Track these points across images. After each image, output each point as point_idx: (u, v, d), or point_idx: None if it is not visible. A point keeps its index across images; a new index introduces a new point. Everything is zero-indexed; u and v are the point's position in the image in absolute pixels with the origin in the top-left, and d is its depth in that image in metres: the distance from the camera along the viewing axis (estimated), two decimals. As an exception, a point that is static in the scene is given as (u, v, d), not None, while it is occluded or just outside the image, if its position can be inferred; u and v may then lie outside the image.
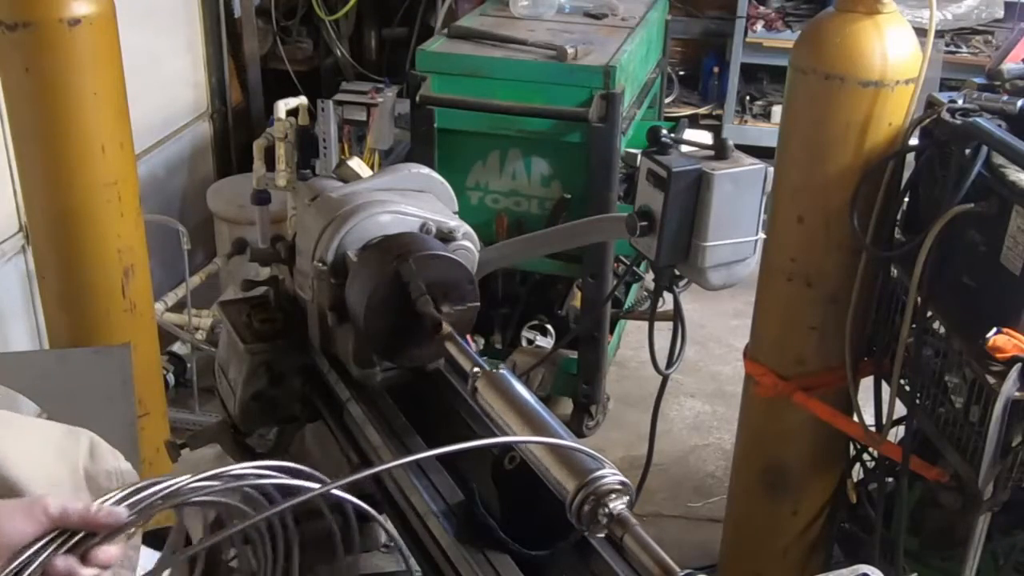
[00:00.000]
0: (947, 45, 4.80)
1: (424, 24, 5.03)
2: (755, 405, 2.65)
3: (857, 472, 2.69)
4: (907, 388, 2.30)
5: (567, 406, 3.84)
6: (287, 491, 1.03)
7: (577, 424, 3.75)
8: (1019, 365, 1.94)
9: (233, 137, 4.93)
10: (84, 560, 0.96)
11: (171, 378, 3.84)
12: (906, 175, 2.30)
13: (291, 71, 5.13)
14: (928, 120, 2.22)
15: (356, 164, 1.95)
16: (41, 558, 0.94)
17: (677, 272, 1.66)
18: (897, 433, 2.39)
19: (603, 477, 1.07)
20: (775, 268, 2.43)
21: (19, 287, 3.43)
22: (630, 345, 4.30)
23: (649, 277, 4.13)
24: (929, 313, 2.20)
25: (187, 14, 4.61)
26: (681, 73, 5.56)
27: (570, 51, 3.38)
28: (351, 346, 1.54)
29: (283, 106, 3.74)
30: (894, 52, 2.19)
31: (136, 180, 2.66)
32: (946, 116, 2.14)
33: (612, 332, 3.94)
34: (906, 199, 2.32)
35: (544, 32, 3.75)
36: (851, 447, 2.65)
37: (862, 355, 2.47)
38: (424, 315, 1.42)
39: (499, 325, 3.90)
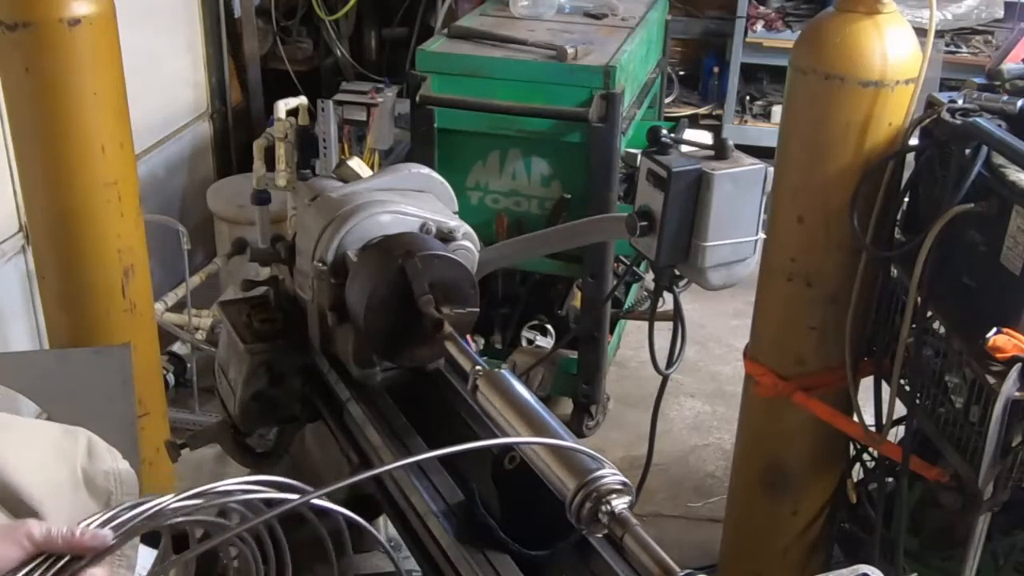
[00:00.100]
0: (947, 45, 4.80)
1: (424, 24, 5.03)
2: (755, 405, 2.65)
3: (857, 472, 2.69)
4: (907, 388, 2.30)
5: (567, 406, 3.84)
6: (274, 505, 1.02)
7: (577, 424, 3.75)
8: (1019, 365, 1.93)
9: (233, 137, 4.93)
10: None
11: (171, 378, 3.84)
12: (906, 175, 2.30)
13: (291, 71, 5.13)
14: (928, 120, 2.22)
15: (356, 164, 1.95)
16: None
17: (677, 272, 1.66)
18: (897, 433, 2.39)
19: (603, 477, 1.07)
20: (775, 268, 2.43)
21: (19, 287, 3.43)
22: (630, 345, 4.30)
23: (649, 277, 4.13)
24: (929, 313, 2.20)
25: (187, 14, 4.61)
26: (681, 73, 5.56)
27: (570, 51, 3.39)
28: (351, 346, 1.54)
29: (283, 106, 3.74)
30: (894, 52, 2.19)
31: (136, 180, 2.66)
32: (946, 116, 2.14)
33: (612, 332, 3.94)
34: (906, 199, 2.32)
35: (544, 32, 3.75)
36: (851, 447, 2.65)
37: (862, 355, 2.47)
38: (425, 315, 1.42)
39: (499, 325, 3.90)
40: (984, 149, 2.05)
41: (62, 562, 0.95)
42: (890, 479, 2.48)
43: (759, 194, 1.57)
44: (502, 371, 1.28)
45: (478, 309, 1.50)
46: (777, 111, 5.06)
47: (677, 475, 3.64)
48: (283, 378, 1.69)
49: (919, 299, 2.18)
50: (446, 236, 1.56)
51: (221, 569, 1.09)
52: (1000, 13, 4.87)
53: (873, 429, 2.44)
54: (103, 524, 0.98)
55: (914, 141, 2.26)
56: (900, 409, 2.35)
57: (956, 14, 4.82)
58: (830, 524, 2.70)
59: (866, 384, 2.49)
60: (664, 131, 1.60)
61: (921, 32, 2.25)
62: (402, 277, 1.43)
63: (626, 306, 4.11)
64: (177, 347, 3.95)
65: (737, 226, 1.57)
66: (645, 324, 2.04)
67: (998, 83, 2.36)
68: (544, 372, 3.68)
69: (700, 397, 4.06)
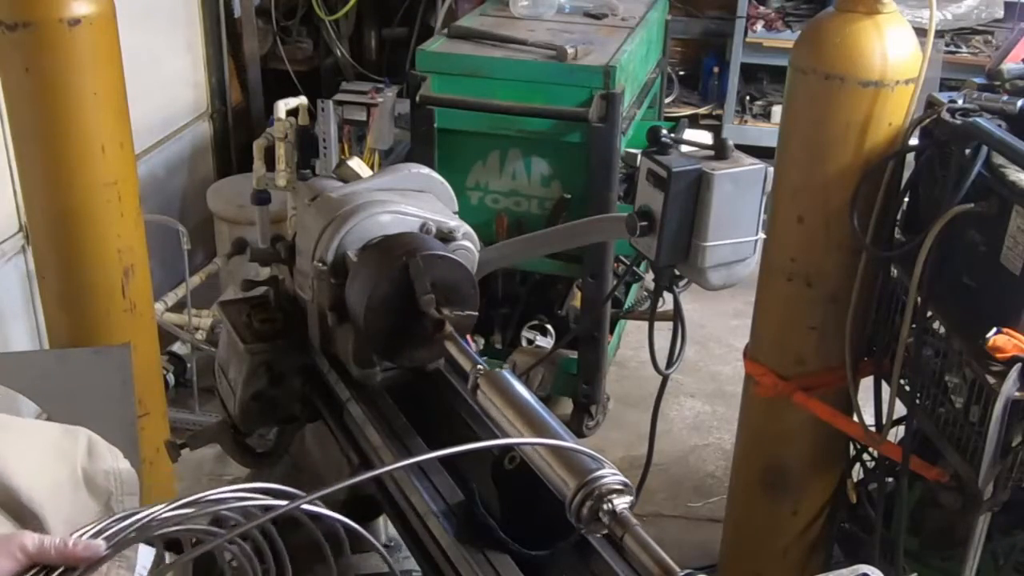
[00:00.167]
0: (947, 45, 4.80)
1: (424, 24, 5.03)
2: (755, 405, 2.65)
3: (857, 472, 2.69)
4: (907, 388, 2.30)
5: (567, 406, 3.84)
6: (268, 510, 1.02)
7: (577, 424, 3.75)
8: (1019, 365, 1.94)
9: (233, 137, 4.93)
10: None
11: (171, 378, 3.84)
12: (906, 175, 2.30)
13: (291, 71, 5.13)
14: (928, 120, 2.22)
15: (356, 164, 1.94)
16: None
17: (677, 272, 1.66)
18: (897, 433, 2.39)
19: (603, 477, 1.07)
20: (775, 268, 2.43)
21: (19, 287, 3.43)
22: (630, 345, 4.30)
23: (649, 277, 4.13)
24: (929, 313, 2.20)
25: (187, 14, 4.61)
26: (681, 73, 5.56)
27: (570, 51, 3.39)
28: (351, 346, 1.54)
29: (283, 106, 3.74)
30: (894, 52, 2.19)
31: (136, 180, 2.66)
32: (946, 116, 2.14)
33: (612, 332, 3.94)
34: (906, 199, 2.32)
35: (544, 32, 3.75)
36: (851, 447, 2.65)
37: (862, 355, 2.47)
38: (426, 315, 1.42)
39: (499, 325, 3.90)
40: (984, 149, 2.05)
41: (55, 573, 0.95)
42: (890, 479, 2.48)
43: (759, 194, 1.57)
44: (502, 371, 1.28)
45: (477, 313, 1.50)
46: (777, 111, 5.06)
47: (677, 475, 3.64)
48: (283, 378, 1.69)
49: (919, 299, 2.18)
50: (446, 236, 1.56)
51: (219, 574, 1.09)
52: (1000, 13, 4.88)
53: (873, 429, 2.44)
54: (96, 534, 0.98)
55: (914, 141, 2.26)
56: (900, 409, 2.35)
57: (956, 14, 4.82)
58: (830, 524, 2.70)
59: (866, 384, 2.50)
60: (664, 131, 1.60)
61: (921, 32, 2.25)
62: (403, 277, 1.43)
63: (626, 306, 4.11)
64: (177, 347, 3.95)
65: (737, 226, 1.57)
66: (645, 324, 2.04)
67: (998, 83, 2.36)
68: (544, 372, 3.68)
69: (700, 397, 4.06)
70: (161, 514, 1.00)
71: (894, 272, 2.36)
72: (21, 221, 3.36)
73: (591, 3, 4.12)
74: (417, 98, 3.40)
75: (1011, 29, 4.74)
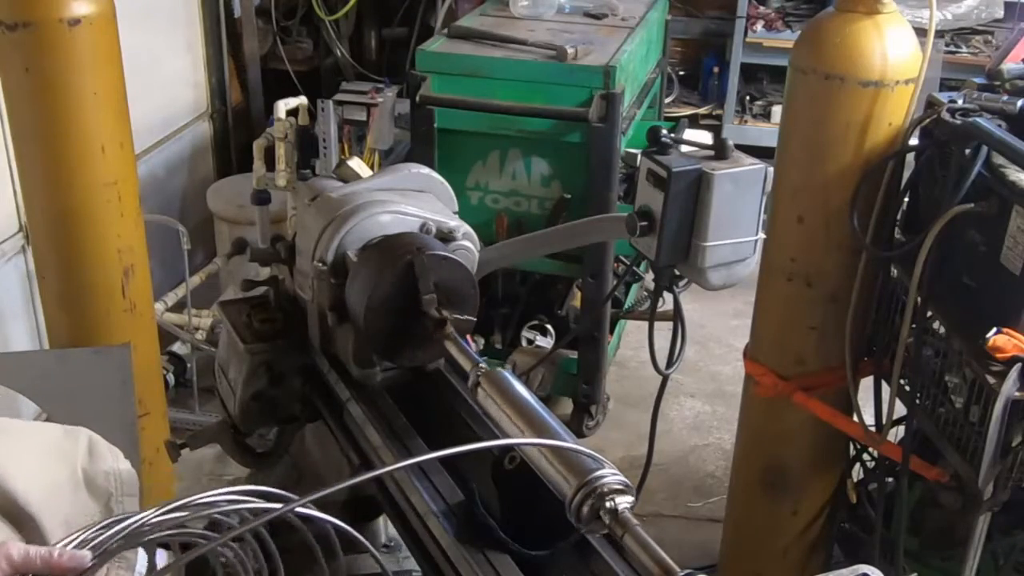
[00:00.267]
0: (947, 45, 4.80)
1: (424, 24, 5.03)
2: (755, 405, 2.65)
3: (857, 472, 2.69)
4: (907, 388, 2.30)
5: (567, 406, 3.84)
6: (260, 514, 1.02)
7: (577, 424, 3.75)
8: (1019, 365, 1.94)
9: (233, 137, 4.93)
10: None
11: (171, 378, 3.84)
12: (906, 175, 2.30)
13: (291, 71, 5.13)
14: (928, 120, 2.22)
15: (356, 164, 1.94)
16: None
17: (677, 272, 1.66)
18: (897, 433, 2.39)
19: (603, 477, 1.07)
20: (775, 268, 2.43)
21: (19, 287, 3.43)
22: (630, 345, 4.30)
23: (649, 277, 4.13)
24: (929, 313, 2.20)
25: (187, 14, 4.61)
26: (681, 73, 5.56)
27: (570, 51, 3.39)
28: (351, 346, 1.54)
29: (283, 106, 3.74)
30: (894, 52, 2.19)
31: (136, 180, 2.66)
32: (946, 116, 2.14)
33: (612, 332, 3.94)
34: (906, 199, 2.32)
35: (544, 32, 3.75)
36: (851, 447, 2.65)
37: (862, 355, 2.47)
38: (427, 314, 1.42)
39: (499, 325, 3.90)
40: (984, 149, 2.05)
41: None
42: (890, 479, 2.48)
43: (759, 194, 1.57)
44: (502, 371, 1.28)
45: (475, 319, 1.50)
46: (777, 111, 5.06)
47: (677, 475, 3.64)
48: (283, 378, 1.69)
49: (919, 299, 2.18)
50: (446, 236, 1.56)
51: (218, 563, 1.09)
52: (1000, 13, 4.88)
53: (873, 429, 2.44)
54: (84, 543, 0.98)
55: (914, 141, 2.26)
56: (900, 409, 2.35)
57: (956, 14, 4.82)
58: (830, 524, 2.70)
59: (866, 384, 2.49)
60: (664, 131, 1.60)
61: (921, 32, 2.25)
62: (403, 277, 1.43)
63: (626, 306, 4.11)
64: (177, 347, 3.95)
65: (737, 226, 1.57)
66: (645, 324, 2.04)
67: (998, 83, 2.36)
68: (544, 372, 3.68)
69: (700, 397, 4.06)
70: (151, 519, 1.00)
71: (894, 272, 2.36)
72: (21, 221, 3.36)
73: (591, 3, 4.12)
74: (417, 98, 3.40)
75: (1011, 29, 4.74)
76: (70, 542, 0.98)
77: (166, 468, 2.81)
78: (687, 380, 4.10)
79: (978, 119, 2.08)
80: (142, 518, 1.00)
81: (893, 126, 2.24)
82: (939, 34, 4.61)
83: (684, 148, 1.60)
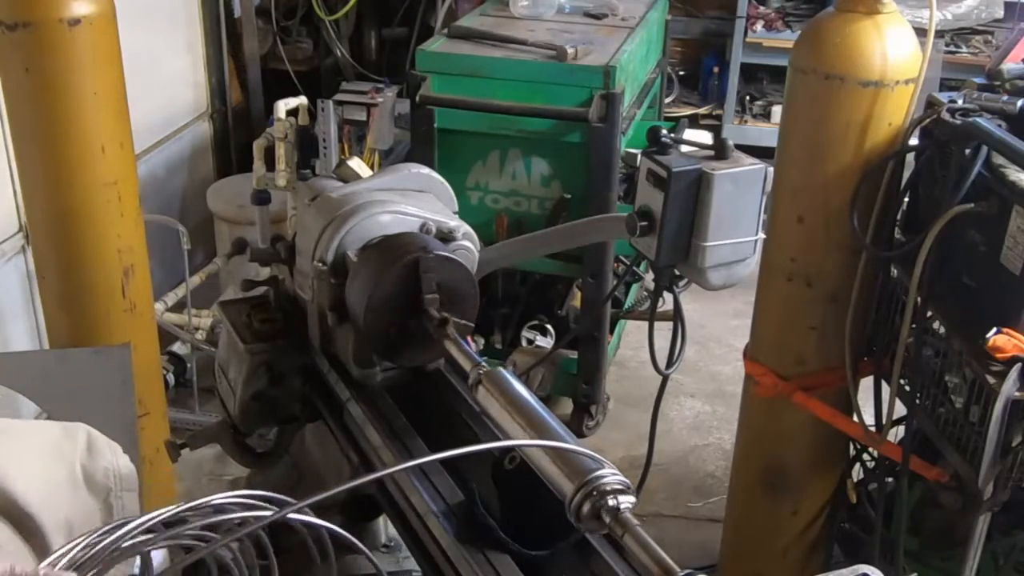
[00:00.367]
0: (947, 45, 4.80)
1: (424, 24, 5.03)
2: (755, 405, 2.65)
3: (857, 472, 2.69)
4: (907, 388, 2.30)
5: (567, 406, 3.84)
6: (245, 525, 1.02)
7: (577, 424, 3.75)
8: (1019, 365, 1.94)
9: (233, 137, 4.93)
10: None
11: (171, 378, 3.84)
12: (906, 175, 2.30)
13: (291, 71, 5.13)
14: (928, 120, 2.22)
15: (356, 164, 1.94)
16: None
17: (677, 272, 1.66)
18: (897, 433, 2.39)
19: (603, 477, 1.07)
20: (775, 268, 2.43)
21: (19, 287, 3.43)
22: (630, 345, 4.30)
23: (649, 277, 4.13)
24: (929, 313, 2.20)
25: (187, 14, 4.61)
26: (681, 73, 5.56)
27: (570, 51, 3.39)
28: (351, 346, 1.54)
29: (283, 106, 3.74)
30: (894, 52, 2.19)
31: (136, 180, 2.66)
32: (946, 116, 2.14)
33: (612, 332, 3.94)
34: (906, 199, 2.32)
35: (544, 32, 3.75)
36: (851, 447, 2.65)
37: (862, 355, 2.47)
38: (427, 314, 1.42)
39: (499, 325, 3.90)
40: (984, 149, 2.05)
41: None
42: (890, 479, 2.48)
43: (759, 194, 1.57)
44: (503, 370, 1.28)
45: (474, 325, 1.50)
46: (777, 111, 5.06)
47: (677, 475, 3.64)
48: (283, 378, 1.69)
49: (919, 299, 2.18)
50: (446, 236, 1.56)
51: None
52: (1000, 13, 4.88)
53: (873, 429, 2.44)
54: (87, 548, 0.97)
55: (914, 141, 2.26)
56: (900, 409, 2.35)
57: (956, 14, 4.82)
58: (830, 524, 2.70)
59: (866, 384, 2.49)
60: (664, 131, 1.60)
61: (921, 32, 2.25)
62: (403, 277, 1.43)
63: (626, 306, 4.11)
64: (177, 347, 3.95)
65: (737, 226, 1.57)
66: (645, 324, 2.04)
67: (998, 83, 2.36)
68: (544, 372, 3.68)
69: (700, 397, 4.06)
70: (151, 524, 0.99)
71: (894, 272, 2.36)
72: (21, 221, 3.36)
73: (591, 3, 4.12)
74: (417, 98, 3.40)
75: (1011, 29, 4.74)
76: (57, 561, 0.97)
77: (166, 468, 2.81)
78: (687, 380, 4.10)
79: (978, 119, 2.08)
80: (128, 529, 0.99)
81: (893, 126, 2.24)
82: (939, 34, 4.61)
83: (684, 148, 1.60)
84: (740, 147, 1.60)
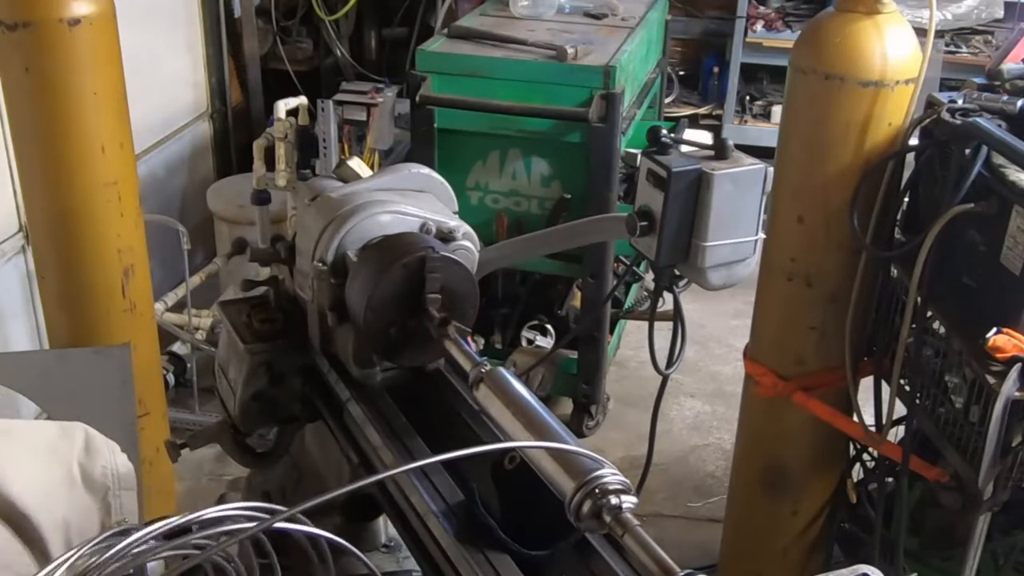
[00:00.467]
0: (947, 45, 4.81)
1: (424, 24, 5.03)
2: (755, 405, 2.65)
3: (857, 472, 2.69)
4: (907, 388, 2.30)
5: (567, 406, 3.84)
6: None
7: (577, 424, 3.75)
8: (1019, 365, 1.94)
9: (233, 137, 4.93)
10: None
11: (171, 378, 3.84)
12: (906, 175, 2.30)
13: (291, 71, 5.13)
14: (928, 120, 2.22)
15: (356, 164, 1.94)
16: None
17: (677, 272, 1.66)
18: (897, 433, 2.39)
19: (603, 477, 1.07)
20: (775, 268, 2.43)
21: (19, 287, 3.43)
22: (630, 345, 4.30)
23: (649, 277, 4.13)
24: (929, 313, 2.20)
25: (187, 14, 4.61)
26: (681, 73, 5.56)
27: (570, 51, 3.39)
28: (351, 346, 1.54)
29: (283, 106, 3.74)
30: (894, 52, 2.19)
31: (136, 180, 2.66)
32: (946, 116, 2.14)
33: (612, 332, 3.94)
34: (906, 199, 2.32)
35: (544, 32, 3.75)
36: (851, 447, 2.65)
37: (862, 355, 2.47)
38: (428, 314, 1.42)
39: (499, 325, 3.90)
40: (984, 149, 2.05)
41: None
42: (890, 479, 2.48)
43: (759, 194, 1.57)
44: (502, 370, 1.28)
45: (471, 331, 1.50)
46: (777, 111, 5.06)
47: (677, 475, 3.64)
48: (283, 378, 1.69)
49: (919, 299, 2.18)
50: (446, 236, 1.56)
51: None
52: (1000, 13, 4.88)
53: (873, 429, 2.44)
54: (83, 558, 0.97)
55: (914, 141, 2.26)
56: (900, 409, 2.35)
57: (956, 14, 4.82)
58: (830, 524, 2.70)
59: (866, 384, 2.49)
60: (664, 131, 1.60)
61: (921, 32, 2.25)
62: (403, 277, 1.43)
63: (626, 306, 4.11)
64: (177, 347, 3.95)
65: (737, 226, 1.57)
66: (645, 324, 2.04)
67: (998, 83, 2.36)
68: (544, 372, 3.68)
69: (700, 397, 4.06)
70: (134, 547, 0.99)
71: (894, 272, 2.36)
72: (21, 221, 3.36)
73: (591, 3, 4.12)
74: (417, 98, 3.40)
75: (1011, 29, 4.74)
76: (68, 559, 0.97)
77: (166, 468, 2.81)
78: (687, 380, 4.10)
79: (978, 119, 2.08)
80: (141, 537, 0.99)
81: (893, 126, 2.24)
82: (939, 34, 4.61)
83: (684, 148, 1.60)
84: (740, 147, 1.60)
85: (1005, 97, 2.21)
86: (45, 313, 2.73)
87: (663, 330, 1.75)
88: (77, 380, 2.42)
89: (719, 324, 4.33)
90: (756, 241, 1.59)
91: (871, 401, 2.47)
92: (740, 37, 5.06)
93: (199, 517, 1.03)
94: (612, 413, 3.90)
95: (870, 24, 2.19)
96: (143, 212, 2.71)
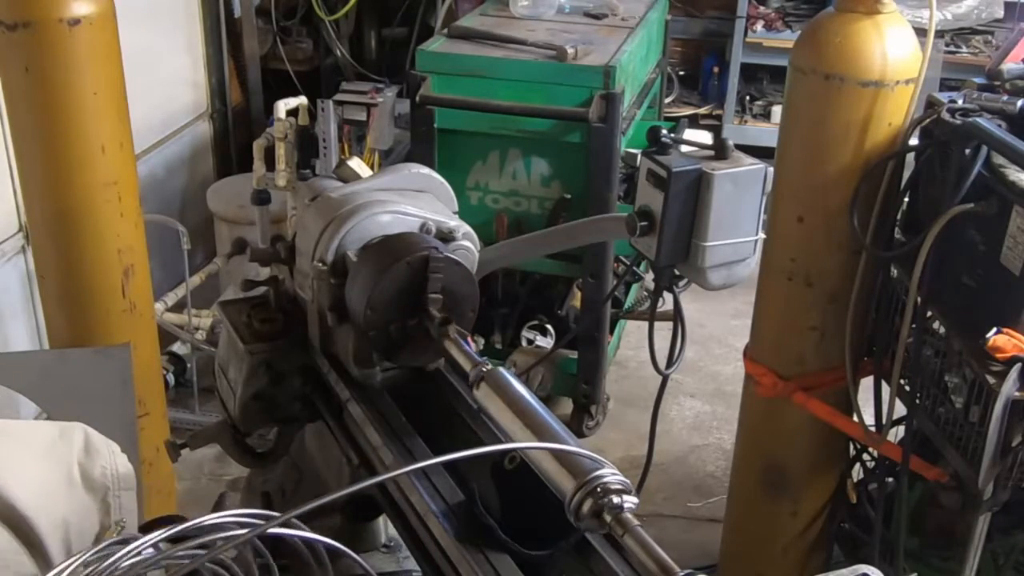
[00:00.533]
0: (947, 45, 4.81)
1: (424, 24, 5.04)
2: (755, 405, 2.65)
3: (857, 472, 2.69)
4: (907, 388, 2.30)
5: (567, 406, 3.84)
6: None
7: (577, 424, 3.75)
8: (1019, 365, 1.94)
9: (233, 137, 4.93)
10: None
11: (171, 378, 3.84)
12: (906, 175, 2.30)
13: (291, 71, 5.13)
14: (928, 120, 2.22)
15: (356, 164, 1.94)
16: None
17: (677, 272, 1.66)
18: (897, 433, 2.39)
19: (603, 477, 1.07)
20: (775, 268, 2.43)
21: (19, 287, 3.44)
22: (630, 345, 4.30)
23: (649, 277, 4.13)
24: (929, 313, 2.20)
25: (187, 14, 4.61)
26: (681, 73, 5.56)
27: (570, 51, 3.39)
28: (351, 346, 1.54)
29: (283, 106, 3.74)
30: (894, 52, 2.19)
31: (136, 180, 2.66)
32: (946, 116, 2.14)
33: (612, 332, 3.94)
34: (906, 199, 2.32)
35: (544, 32, 3.75)
36: (851, 447, 2.65)
37: (862, 355, 2.47)
38: (428, 314, 1.42)
39: (499, 325, 3.90)
40: (984, 149, 2.05)
41: None
42: (890, 479, 2.48)
43: (759, 194, 1.57)
44: (502, 370, 1.28)
45: (468, 334, 1.50)
46: (777, 111, 5.06)
47: (677, 475, 3.64)
48: (283, 378, 1.69)
49: (919, 299, 2.18)
50: (446, 236, 1.56)
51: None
52: (1000, 13, 4.88)
53: (873, 429, 2.44)
54: (82, 565, 0.97)
55: (914, 141, 2.26)
56: (900, 409, 2.35)
57: (956, 14, 4.82)
58: (830, 524, 2.70)
59: (866, 384, 2.50)
60: (664, 131, 1.60)
61: (921, 32, 2.25)
62: (403, 277, 1.43)
63: (626, 306, 4.11)
64: (177, 347, 3.95)
65: (737, 226, 1.57)
66: (645, 324, 2.04)
67: (998, 83, 2.36)
68: (544, 372, 3.68)
69: (700, 397, 4.06)
70: (149, 547, 0.99)
71: (894, 272, 2.36)
72: (21, 221, 3.36)
73: (591, 3, 4.12)
74: (417, 98, 3.40)
75: (1011, 29, 4.74)
76: (67, 568, 0.97)
77: (166, 468, 2.81)
78: (687, 380, 4.10)
79: (978, 119, 2.08)
80: (140, 545, 0.99)
81: (893, 126, 2.24)
82: (939, 34, 4.61)
83: (684, 148, 1.60)
84: (740, 147, 1.60)
85: (1005, 97, 2.21)
86: (45, 313, 2.73)
87: (663, 330, 1.75)
88: (77, 380, 2.42)
89: (719, 324, 4.33)
90: (756, 241, 1.59)
91: (871, 401, 2.47)
92: (740, 37, 5.06)
93: (195, 525, 1.03)
94: (612, 413, 3.90)
95: (870, 24, 2.19)
96: (143, 212, 2.71)
